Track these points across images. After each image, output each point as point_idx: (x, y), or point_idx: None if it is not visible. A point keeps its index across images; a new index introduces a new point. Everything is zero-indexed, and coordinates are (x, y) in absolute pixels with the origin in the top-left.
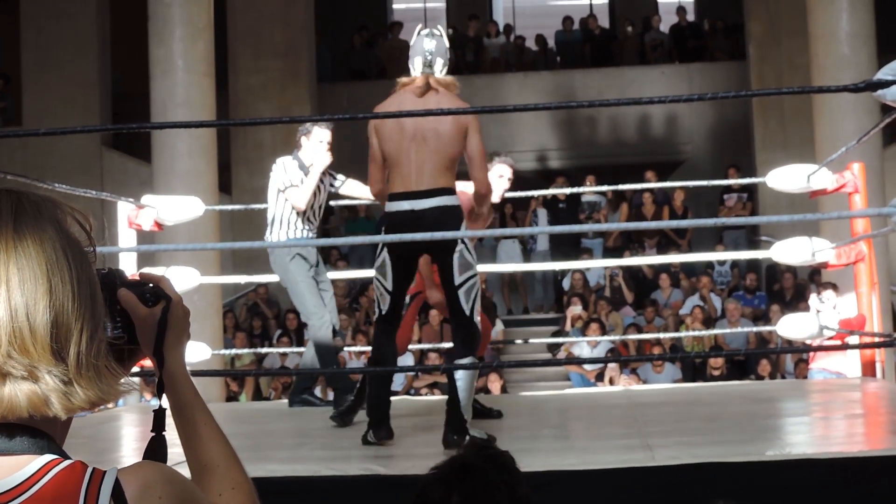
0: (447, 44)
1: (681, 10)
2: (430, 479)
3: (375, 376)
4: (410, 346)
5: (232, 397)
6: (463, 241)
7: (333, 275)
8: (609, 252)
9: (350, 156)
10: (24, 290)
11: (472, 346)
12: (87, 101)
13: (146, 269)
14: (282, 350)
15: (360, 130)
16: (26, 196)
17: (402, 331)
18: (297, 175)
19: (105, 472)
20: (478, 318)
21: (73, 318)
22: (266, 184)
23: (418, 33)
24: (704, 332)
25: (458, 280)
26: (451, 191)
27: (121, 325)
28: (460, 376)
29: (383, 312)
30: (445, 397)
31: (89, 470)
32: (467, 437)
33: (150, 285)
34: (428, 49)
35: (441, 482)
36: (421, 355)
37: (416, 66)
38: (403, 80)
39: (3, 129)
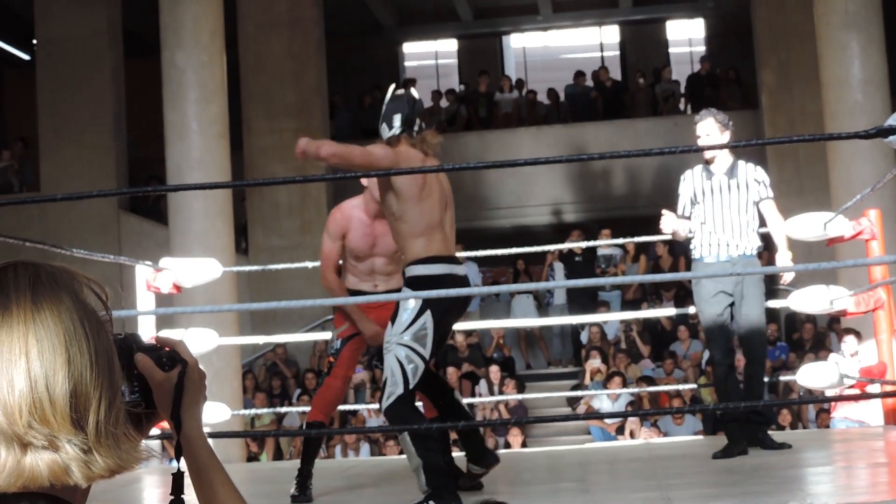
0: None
1: (691, 61)
2: None
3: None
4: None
5: (252, 458)
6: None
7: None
8: (627, 305)
9: None
10: (44, 361)
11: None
12: (104, 165)
13: (163, 333)
14: (301, 409)
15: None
16: (43, 268)
17: (338, 380)
18: None
19: None
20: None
21: (91, 388)
22: (280, 244)
23: (393, 90)
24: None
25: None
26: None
27: (138, 389)
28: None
29: (410, 386)
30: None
31: None
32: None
33: (167, 350)
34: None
35: None
36: None
37: (395, 125)
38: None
39: (21, 196)
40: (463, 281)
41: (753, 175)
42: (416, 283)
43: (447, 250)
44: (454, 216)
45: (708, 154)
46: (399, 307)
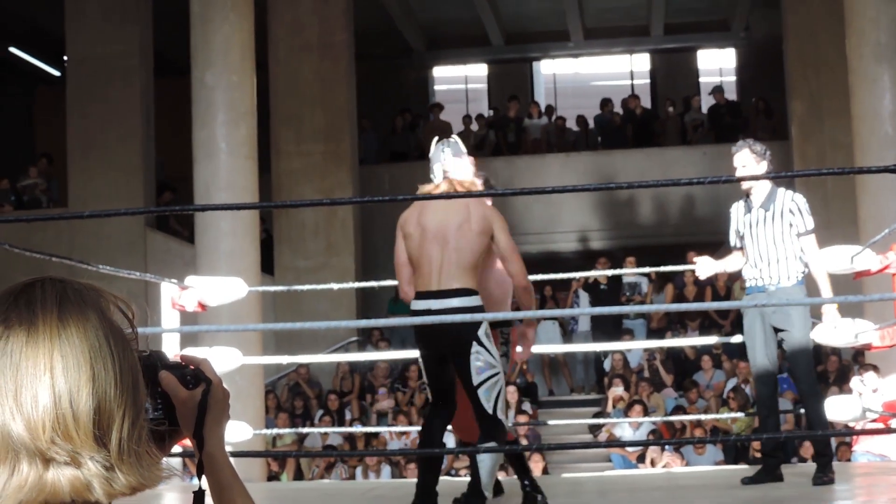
0: (463, 150)
1: (719, 90)
2: None
3: (421, 461)
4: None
5: (273, 477)
6: (480, 342)
7: (375, 355)
8: (651, 333)
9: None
10: (68, 378)
11: (495, 438)
12: (132, 184)
13: (187, 351)
14: (323, 430)
15: (400, 210)
16: (70, 284)
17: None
18: None
19: None
20: (502, 415)
21: (115, 405)
22: (306, 265)
23: (435, 143)
24: (739, 415)
25: (475, 381)
26: (470, 291)
27: (161, 407)
28: (482, 458)
29: (429, 399)
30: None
31: None
32: None
33: (191, 368)
34: (445, 157)
35: None
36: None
37: (436, 174)
38: (426, 187)
39: (49, 212)
40: (431, 314)
41: (789, 205)
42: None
43: (425, 285)
44: (464, 248)
45: (745, 185)
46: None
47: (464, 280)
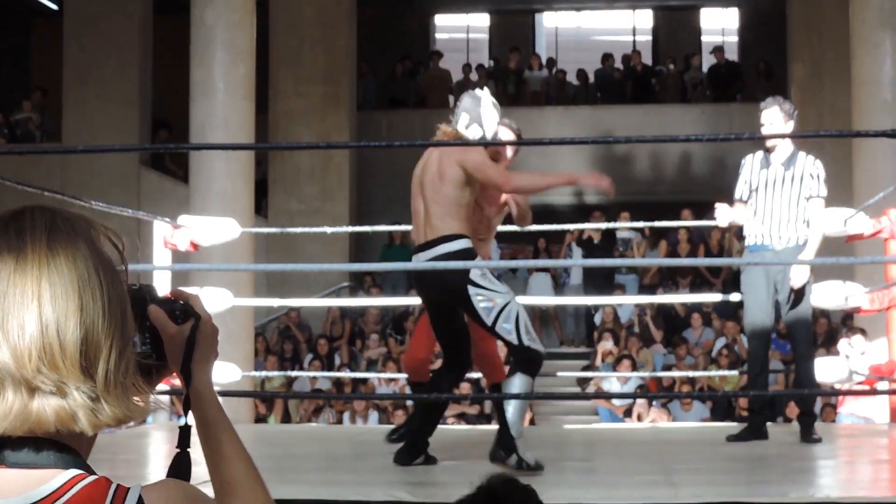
0: (484, 103)
1: (720, 50)
2: None
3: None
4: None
5: (260, 419)
6: (476, 284)
7: (366, 301)
8: (643, 289)
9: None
10: (56, 307)
11: (528, 368)
12: (128, 120)
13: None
14: (312, 374)
15: (397, 157)
16: (60, 213)
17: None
18: None
19: (129, 488)
20: (529, 341)
21: (102, 336)
22: (300, 209)
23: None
24: (732, 373)
25: (489, 321)
26: (454, 237)
27: (149, 341)
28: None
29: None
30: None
31: (113, 486)
32: (514, 456)
33: (181, 302)
34: (461, 107)
35: None
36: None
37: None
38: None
39: (43, 146)
40: (419, 269)
41: (810, 169)
42: None
43: (416, 238)
44: (442, 194)
45: (770, 142)
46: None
47: (447, 226)
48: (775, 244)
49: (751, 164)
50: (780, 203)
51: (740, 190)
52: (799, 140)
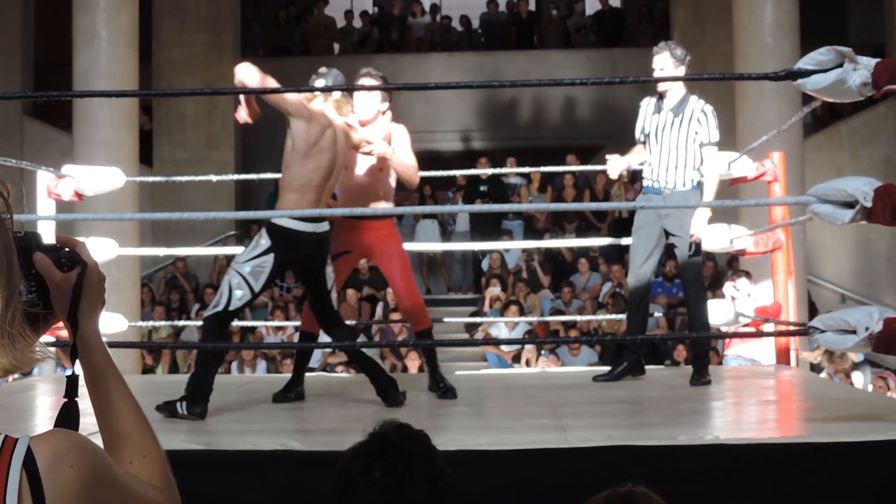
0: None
1: None
2: (352, 454)
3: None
4: None
5: (148, 370)
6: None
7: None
8: (530, 234)
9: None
10: None
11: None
12: (9, 68)
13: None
14: (199, 324)
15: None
16: None
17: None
18: None
19: (17, 439)
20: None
21: None
22: (185, 157)
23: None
24: (618, 317)
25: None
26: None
27: (35, 289)
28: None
29: (230, 308)
30: (360, 376)
31: (1, 437)
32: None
33: (67, 250)
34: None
35: (363, 457)
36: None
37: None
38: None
39: None
40: (320, 238)
41: (698, 114)
42: (273, 231)
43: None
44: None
45: (661, 86)
46: (254, 239)
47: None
48: (663, 188)
49: (646, 107)
50: (668, 147)
51: (637, 133)
52: (690, 85)
